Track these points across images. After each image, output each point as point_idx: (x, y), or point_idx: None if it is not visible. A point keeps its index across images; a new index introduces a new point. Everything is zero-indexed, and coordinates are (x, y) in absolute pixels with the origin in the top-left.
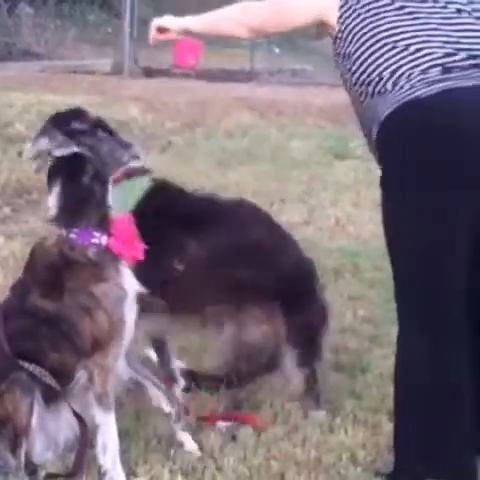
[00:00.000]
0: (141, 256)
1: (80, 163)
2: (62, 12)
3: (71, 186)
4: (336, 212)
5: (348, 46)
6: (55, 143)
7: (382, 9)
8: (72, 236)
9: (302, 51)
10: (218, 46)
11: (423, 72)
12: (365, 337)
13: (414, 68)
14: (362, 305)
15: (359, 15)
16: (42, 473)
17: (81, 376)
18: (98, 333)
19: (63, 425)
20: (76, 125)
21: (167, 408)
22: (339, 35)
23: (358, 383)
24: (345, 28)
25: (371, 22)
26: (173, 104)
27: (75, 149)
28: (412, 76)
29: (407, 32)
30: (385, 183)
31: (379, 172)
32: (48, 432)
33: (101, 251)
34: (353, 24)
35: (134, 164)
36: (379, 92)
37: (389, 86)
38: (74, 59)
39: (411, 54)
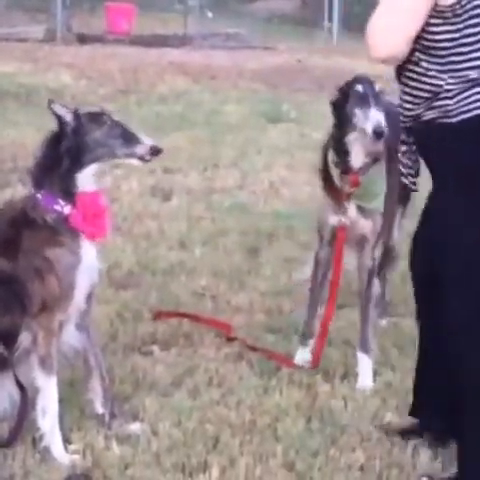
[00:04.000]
0: (102, 235)
1: (63, 135)
2: None
3: (47, 151)
4: (270, 176)
5: None
6: (63, 108)
7: None
8: (38, 196)
9: (235, 15)
10: (151, 11)
11: None
12: (300, 299)
13: None
14: (297, 267)
15: None
16: None
17: (25, 338)
18: (47, 296)
19: (3, 396)
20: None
21: (100, 409)
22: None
23: (292, 344)
24: None
25: None
26: (106, 71)
27: (63, 116)
28: None
29: None
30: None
31: (316, 135)
32: None
33: (61, 219)
34: None
35: (130, 162)
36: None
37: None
38: (6, 27)
39: None
